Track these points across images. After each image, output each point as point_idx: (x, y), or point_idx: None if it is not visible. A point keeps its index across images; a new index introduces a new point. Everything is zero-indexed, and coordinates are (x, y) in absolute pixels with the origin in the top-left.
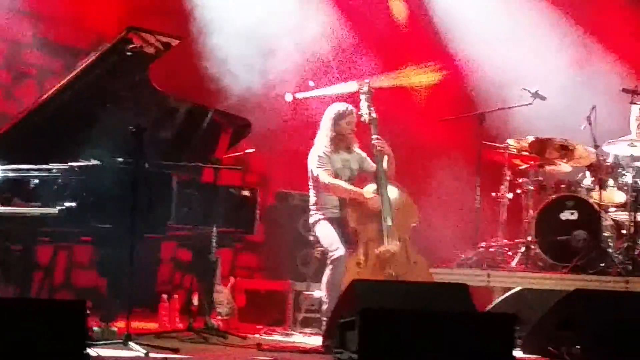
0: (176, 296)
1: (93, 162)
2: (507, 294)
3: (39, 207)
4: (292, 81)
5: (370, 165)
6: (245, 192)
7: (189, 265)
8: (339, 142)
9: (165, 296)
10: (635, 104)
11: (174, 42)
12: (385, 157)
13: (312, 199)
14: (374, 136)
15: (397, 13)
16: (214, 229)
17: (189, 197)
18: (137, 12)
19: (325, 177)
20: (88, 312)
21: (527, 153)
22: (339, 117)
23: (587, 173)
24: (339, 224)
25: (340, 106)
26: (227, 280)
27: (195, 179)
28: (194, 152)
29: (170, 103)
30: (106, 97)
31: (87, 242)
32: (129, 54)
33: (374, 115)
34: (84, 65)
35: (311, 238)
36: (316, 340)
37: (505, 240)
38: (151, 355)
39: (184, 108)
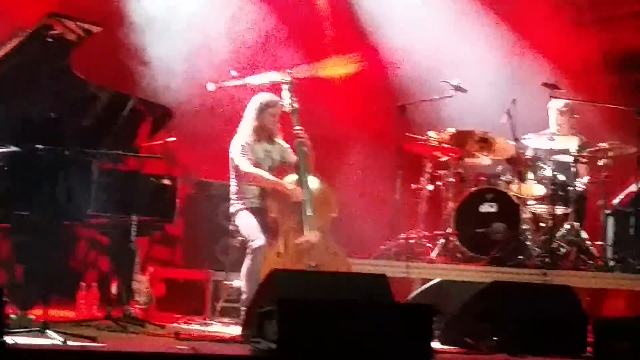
0: (94, 284)
1: (12, 148)
2: (426, 285)
3: None
4: (215, 70)
5: (291, 156)
6: (165, 181)
7: (107, 251)
8: (262, 132)
9: (83, 284)
10: (555, 98)
11: (96, 29)
12: (306, 148)
13: (233, 188)
14: (296, 127)
15: (321, 4)
16: (134, 217)
17: (109, 185)
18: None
19: (247, 166)
20: (5, 299)
21: (447, 145)
22: (263, 108)
23: (507, 166)
24: (259, 213)
25: (265, 96)
26: (146, 269)
27: (115, 167)
28: (114, 139)
29: (91, 90)
30: (27, 84)
31: (4, 228)
32: (50, 40)
33: (295, 105)
34: (3, 51)
35: (231, 227)
36: (235, 330)
37: (425, 232)
38: (69, 343)
39: (105, 95)
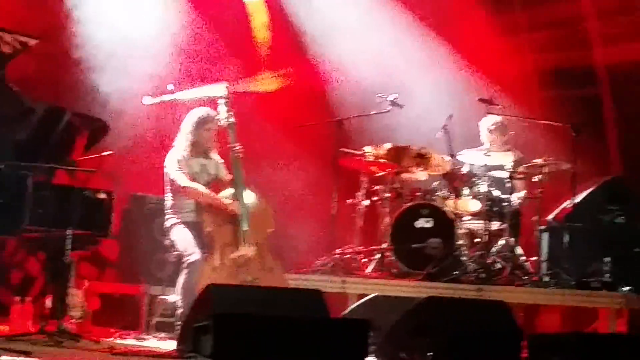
0: (29, 299)
1: None
2: (361, 300)
3: None
4: (152, 84)
5: (225, 173)
6: (101, 195)
7: (42, 265)
8: (198, 147)
9: (17, 298)
10: (490, 114)
11: (32, 42)
12: (240, 162)
13: (169, 202)
14: (232, 136)
15: (258, 18)
16: (69, 231)
17: (44, 198)
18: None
19: (183, 180)
20: None
21: (384, 160)
22: (199, 123)
23: (443, 181)
24: (195, 228)
25: (201, 111)
26: (81, 283)
27: (51, 181)
28: (50, 153)
29: (27, 103)
30: None
31: None
32: None
33: (232, 120)
34: None
35: (167, 242)
36: (170, 345)
37: (360, 247)
38: (2, 358)
39: (41, 109)
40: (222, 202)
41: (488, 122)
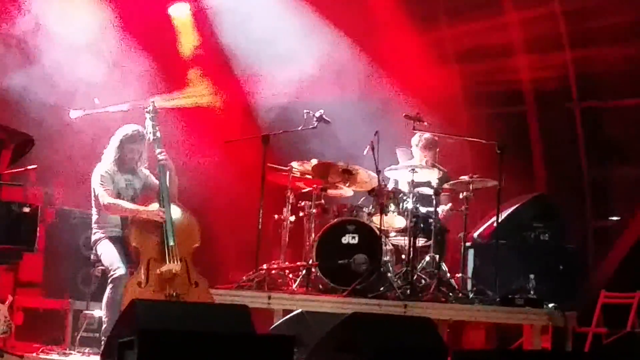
0: None
1: None
2: (287, 316)
3: None
4: (79, 98)
5: (154, 180)
6: (26, 209)
7: None
8: (123, 163)
9: None
10: (417, 130)
11: None
12: (168, 173)
13: (94, 217)
14: (158, 150)
15: (186, 36)
16: None
17: None
18: None
19: (105, 198)
20: None
21: (310, 176)
22: (126, 140)
23: (369, 198)
24: (120, 242)
25: (130, 129)
26: (5, 298)
27: None
28: None
29: None
30: None
31: None
32: None
33: (158, 134)
34: None
35: (92, 257)
36: None
37: (287, 263)
38: None
39: None
40: (149, 213)
41: (416, 139)
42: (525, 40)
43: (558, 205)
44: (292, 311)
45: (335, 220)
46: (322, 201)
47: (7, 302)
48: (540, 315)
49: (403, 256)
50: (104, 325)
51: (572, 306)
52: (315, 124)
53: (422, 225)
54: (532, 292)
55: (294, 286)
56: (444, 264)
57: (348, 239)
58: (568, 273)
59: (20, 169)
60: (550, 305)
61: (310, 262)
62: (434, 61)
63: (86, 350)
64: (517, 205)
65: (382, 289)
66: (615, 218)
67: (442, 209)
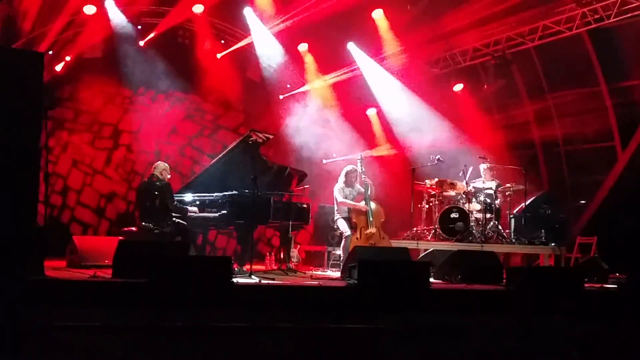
0: (272, 253)
1: None
2: (426, 252)
3: (210, 212)
4: (323, 151)
5: (361, 190)
6: (304, 205)
7: (279, 239)
8: (348, 183)
9: (267, 253)
10: (484, 162)
11: (270, 136)
12: (369, 186)
13: (335, 207)
14: (364, 177)
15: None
16: (290, 222)
17: (278, 207)
18: None
19: (340, 199)
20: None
21: (434, 185)
22: (349, 172)
23: (463, 196)
24: (347, 220)
25: (350, 167)
26: (296, 245)
27: (282, 199)
28: (280, 186)
29: (269, 164)
30: None
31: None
32: None
33: (363, 169)
34: None
35: (335, 226)
36: (337, 274)
37: (425, 227)
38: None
39: (275, 167)
40: (360, 207)
41: (484, 166)
42: (536, 112)
43: (554, 196)
44: (428, 250)
45: (447, 206)
46: (440, 197)
47: (297, 247)
48: (547, 249)
49: (480, 222)
50: (342, 257)
51: (563, 244)
52: (436, 162)
53: (488, 208)
54: (543, 238)
55: (429, 237)
56: (499, 225)
57: (454, 215)
58: (561, 229)
59: (300, 187)
60: (552, 244)
61: (436, 226)
62: (490, 127)
63: (334, 269)
64: (534, 197)
65: (470, 238)
66: (583, 201)
67: (498, 202)
